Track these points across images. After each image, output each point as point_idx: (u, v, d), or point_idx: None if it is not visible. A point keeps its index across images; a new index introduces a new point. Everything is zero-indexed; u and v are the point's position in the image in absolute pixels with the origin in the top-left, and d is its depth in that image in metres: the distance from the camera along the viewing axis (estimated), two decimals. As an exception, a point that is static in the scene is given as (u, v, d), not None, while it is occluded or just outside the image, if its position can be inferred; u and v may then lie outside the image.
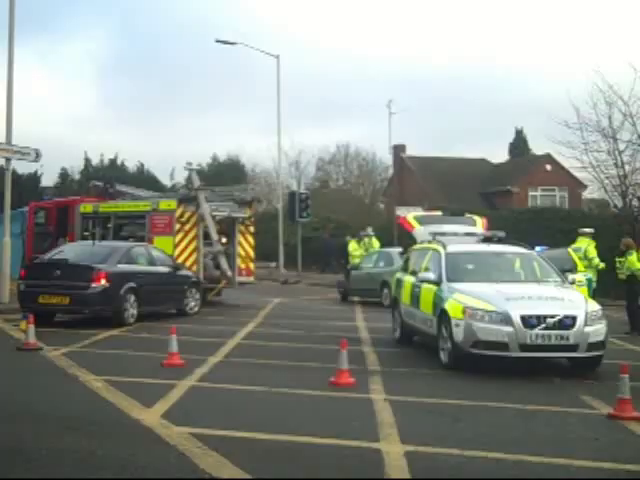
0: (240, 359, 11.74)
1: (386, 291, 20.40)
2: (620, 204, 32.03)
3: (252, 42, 37.69)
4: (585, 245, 17.18)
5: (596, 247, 17.37)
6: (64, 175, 58.13)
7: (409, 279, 13.44)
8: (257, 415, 8.03)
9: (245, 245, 22.54)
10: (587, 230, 17.68)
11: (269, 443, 6.92)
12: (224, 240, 21.79)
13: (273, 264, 37.99)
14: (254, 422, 7.61)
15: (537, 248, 14.67)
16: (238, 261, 22.13)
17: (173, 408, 8.16)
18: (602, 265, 17.15)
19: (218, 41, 36.82)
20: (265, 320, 17.68)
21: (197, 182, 21.97)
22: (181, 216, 20.95)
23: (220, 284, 21.64)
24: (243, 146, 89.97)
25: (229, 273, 21.34)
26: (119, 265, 16.13)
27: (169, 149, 76.67)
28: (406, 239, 17.30)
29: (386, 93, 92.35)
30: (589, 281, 15.88)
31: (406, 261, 14.65)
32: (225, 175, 51.04)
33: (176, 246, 20.61)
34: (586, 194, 41.30)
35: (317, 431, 7.27)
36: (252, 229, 22.84)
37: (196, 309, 18.44)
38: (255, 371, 10.74)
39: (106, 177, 32.49)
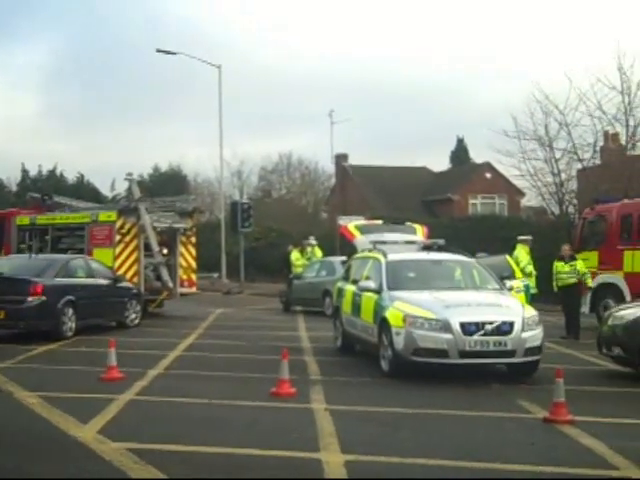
0: (181, 371, 11.62)
1: (328, 300, 20.41)
2: (557, 211, 32.76)
3: (194, 52, 37.52)
4: (519, 251, 17.44)
5: (531, 253, 17.66)
6: (0, 186, 56.92)
7: (350, 288, 13.49)
8: (196, 428, 7.94)
9: (187, 256, 22.36)
10: (526, 237, 17.99)
11: (208, 456, 6.86)
12: (165, 251, 21.58)
13: (215, 275, 37.77)
14: (193, 435, 7.53)
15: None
16: (180, 272, 21.93)
17: (110, 423, 8.02)
18: (530, 269, 17.41)
19: (159, 51, 36.56)
20: (207, 331, 17.54)
21: (138, 193, 21.73)
22: (121, 227, 20.69)
23: (161, 295, 21.41)
24: (185, 156, 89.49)
25: (170, 284, 21.14)
26: (57, 278, 15.83)
27: (110, 160, 75.73)
28: (348, 248, 17.38)
29: (329, 102, 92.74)
30: (527, 287, 16.14)
31: (347, 270, 14.70)
32: (167, 186, 50.56)
33: (116, 258, 20.35)
34: (524, 201, 42.10)
35: (257, 443, 7.22)
36: (194, 240, 22.67)
37: (137, 321, 18.20)
38: (196, 383, 10.64)
39: (44, 188, 31.92)
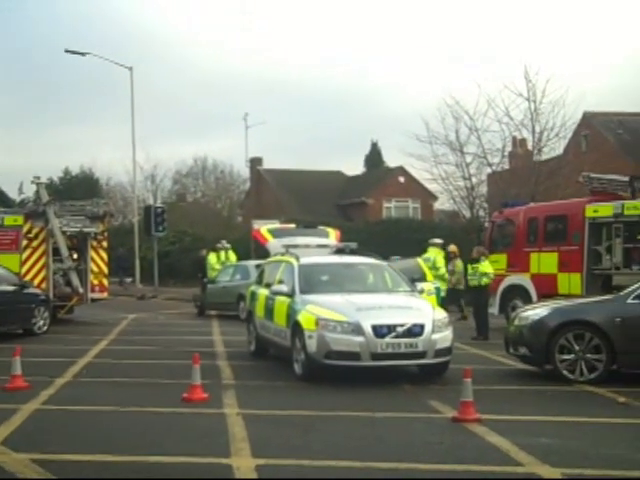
0: (90, 379, 11.38)
1: (243, 304, 20.30)
2: (468, 214, 33.50)
3: (106, 53, 36.87)
4: (434, 255, 17.79)
5: (445, 257, 18.02)
6: None
7: (263, 292, 13.46)
8: (105, 436, 7.78)
9: (98, 260, 21.90)
10: (437, 241, 18.34)
11: (116, 465, 6.73)
12: (75, 256, 21.12)
13: (129, 279, 37.19)
14: (102, 444, 7.37)
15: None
16: (91, 277, 21.48)
17: (14, 434, 7.77)
18: (445, 273, 17.82)
19: (68, 51, 35.85)
20: (119, 337, 17.24)
21: (46, 196, 21.17)
22: (29, 232, 20.16)
23: (71, 301, 20.93)
24: (96, 159, 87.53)
25: (81, 290, 20.71)
26: (-41, 285, 15.30)
27: (19, 163, 73.60)
28: (262, 252, 17.35)
29: (246, 106, 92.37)
30: (438, 290, 16.42)
31: (260, 274, 14.67)
32: (77, 189, 49.48)
33: (23, 263, 19.82)
34: (437, 205, 42.92)
35: (167, 449, 7.13)
36: (105, 244, 22.23)
37: (45, 328, 17.73)
38: (105, 390, 10.43)
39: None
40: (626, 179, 17.52)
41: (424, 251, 18.24)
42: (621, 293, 11.49)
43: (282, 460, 6.78)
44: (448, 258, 19.49)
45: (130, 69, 36.76)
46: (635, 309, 10.86)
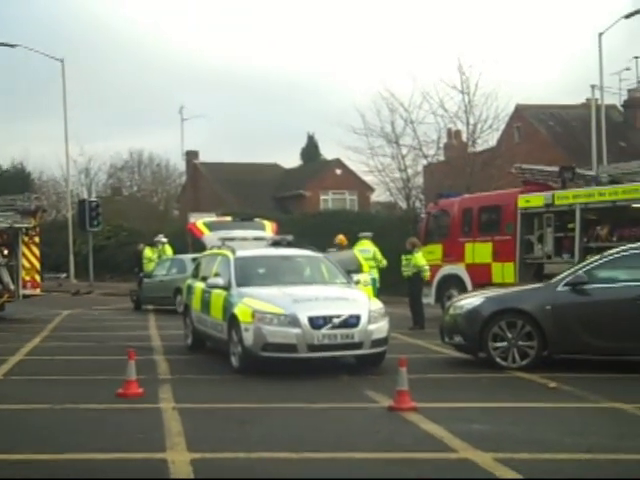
0: (22, 377, 11.14)
1: (180, 298, 20.14)
2: (405, 206, 33.83)
3: (35, 45, 36.08)
4: (371, 247, 17.82)
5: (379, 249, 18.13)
6: None
7: (199, 285, 13.38)
8: (38, 435, 7.64)
9: (30, 256, 21.39)
10: (367, 234, 18.36)
11: (50, 463, 6.61)
12: (5, 252, 20.63)
13: (63, 275, 36.55)
14: (34, 443, 7.23)
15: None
16: (22, 273, 21.00)
17: (-59, 434, 7.59)
18: (385, 264, 17.97)
19: (-5, 43, 34.95)
20: (52, 333, 16.92)
21: (-27, 191, 20.64)
22: (-45, 228, 19.62)
23: (2, 298, 20.46)
24: (28, 153, 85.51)
25: (12, 286, 20.24)
26: None
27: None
28: (198, 245, 17.22)
29: (182, 99, 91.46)
30: (374, 281, 16.54)
31: (197, 267, 14.58)
32: (9, 184, 48.31)
33: (-49, 260, 19.27)
34: (374, 197, 43.21)
35: (101, 446, 7.03)
36: (37, 239, 21.75)
37: (-25, 326, 17.30)
38: (38, 388, 10.23)
39: None
40: (556, 170, 17.90)
41: (354, 244, 18.21)
42: (551, 281, 11.74)
43: (218, 453, 6.76)
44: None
45: (61, 61, 36.06)
46: (565, 296, 11.12)
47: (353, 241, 18.39)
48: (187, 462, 6.46)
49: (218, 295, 12.10)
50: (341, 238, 17.34)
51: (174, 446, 7.00)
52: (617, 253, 11.61)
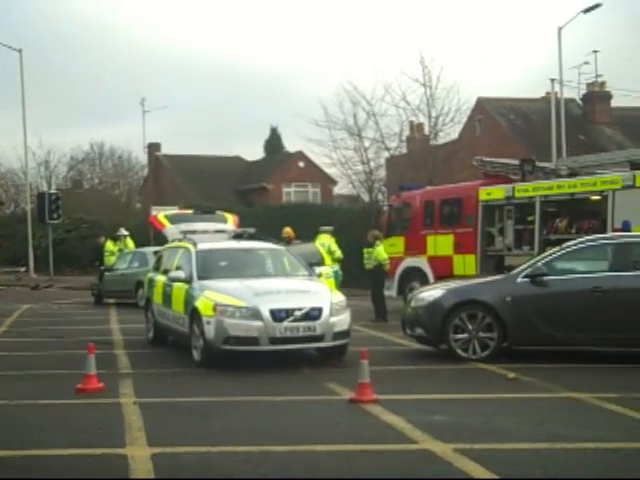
0: (-21, 372, 10.97)
1: (141, 292, 19.99)
2: (367, 198, 33.92)
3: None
4: (328, 240, 17.75)
5: (338, 242, 18.05)
6: None
7: (161, 279, 13.29)
8: (-6, 431, 7.53)
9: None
10: (327, 228, 18.26)
11: (5, 461, 6.50)
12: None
13: (22, 268, 36.06)
14: (-10, 439, 7.13)
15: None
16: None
17: None
18: (339, 254, 17.89)
19: (-49, 32, 34.30)
20: (10, 328, 16.68)
21: None
22: None
23: (-41, 293, 20.16)
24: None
25: (-31, 281, 19.95)
26: None
27: None
28: (160, 239, 17.09)
29: (144, 91, 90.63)
30: (336, 273, 16.57)
31: (158, 260, 14.49)
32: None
33: None
34: (337, 189, 43.25)
35: (60, 442, 6.96)
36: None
37: None
38: (-5, 384, 10.08)
39: None
40: (516, 162, 18.06)
41: (314, 237, 18.11)
42: (511, 273, 11.86)
43: (179, 448, 6.72)
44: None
45: (19, 51, 35.52)
46: (524, 288, 11.24)
47: (314, 234, 18.34)
48: (147, 457, 6.42)
49: (179, 288, 12.03)
50: (288, 231, 17.24)
51: (134, 441, 6.95)
52: (575, 245, 11.76)
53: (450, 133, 33.22)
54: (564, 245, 12.00)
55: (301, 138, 42.70)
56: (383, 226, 20.29)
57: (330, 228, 18.28)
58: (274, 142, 56.27)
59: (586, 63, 37.14)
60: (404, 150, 34.92)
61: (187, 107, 78.56)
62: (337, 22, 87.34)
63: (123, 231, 26.11)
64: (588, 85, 39.34)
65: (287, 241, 16.34)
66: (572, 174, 16.95)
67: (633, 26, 71.22)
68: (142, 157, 52.88)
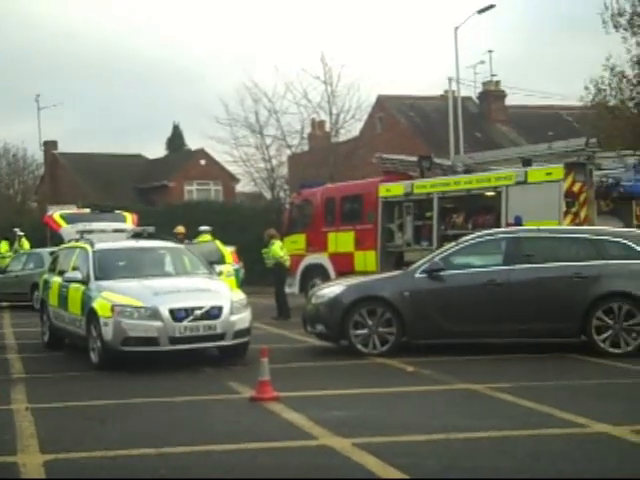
0: None
1: (37, 294, 19.44)
2: (269, 196, 33.94)
3: None
4: (210, 239, 17.44)
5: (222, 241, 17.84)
6: None
7: (57, 280, 12.95)
8: None
9: None
10: (206, 228, 17.96)
11: None
12: None
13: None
14: None
15: None
16: None
17: None
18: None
19: None
20: None
21: None
22: None
23: None
24: None
25: None
26: None
27: None
28: (58, 239, 16.67)
29: (39, 87, 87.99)
30: (237, 271, 16.51)
31: (54, 261, 14.12)
32: None
33: None
34: (239, 187, 43.06)
35: (-53, 452, 6.68)
36: None
37: None
38: None
39: None
40: (415, 159, 18.37)
41: (195, 237, 17.82)
42: (409, 268, 12.07)
43: (73, 454, 6.54)
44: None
45: None
46: (422, 283, 11.45)
47: (222, 231, 18.14)
48: (39, 464, 6.23)
49: (76, 289, 11.75)
50: (179, 229, 17.03)
51: (25, 448, 6.73)
52: (471, 240, 12.06)
53: (351, 130, 33.62)
54: (460, 240, 12.29)
55: (203, 136, 42.31)
56: (284, 223, 20.34)
57: (209, 228, 17.90)
58: (176, 140, 55.50)
59: (482, 62, 38.07)
60: (306, 147, 35.08)
61: (89, 105, 76.70)
62: (238, 19, 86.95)
63: (18, 231, 25.37)
64: (484, 84, 40.36)
65: (180, 239, 16.08)
66: (468, 171, 17.36)
67: (525, 27, 73.58)
68: (38, 155, 51.38)
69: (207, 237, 17.52)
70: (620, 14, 22.26)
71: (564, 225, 13.83)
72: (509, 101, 40.12)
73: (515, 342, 11.69)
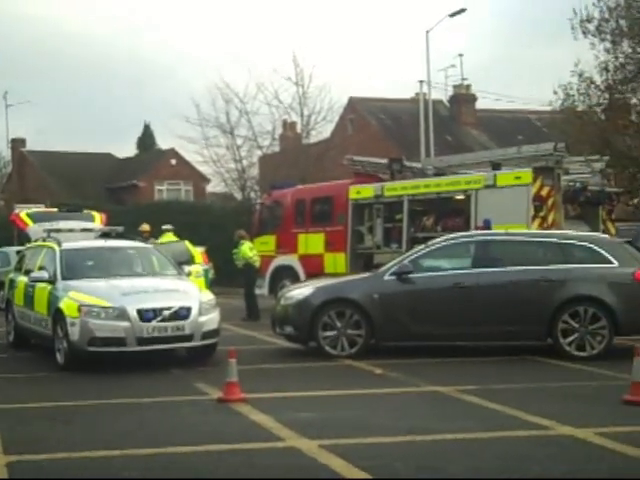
0: None
1: (2, 293, 19.20)
2: (240, 196, 33.87)
3: None
4: (174, 238, 17.28)
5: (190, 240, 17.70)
6: None
7: (23, 279, 12.83)
8: None
9: None
10: (169, 227, 17.79)
11: None
12: None
13: None
14: None
15: None
16: None
17: None
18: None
19: None
20: None
21: None
22: None
23: None
24: None
25: None
26: None
27: None
28: (24, 238, 16.48)
29: (7, 83, 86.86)
30: (206, 272, 16.45)
31: (20, 260, 14.00)
32: None
33: None
34: (210, 187, 42.90)
35: None
36: None
37: None
38: None
39: None
40: (385, 161, 18.43)
41: (160, 235, 17.67)
42: (378, 271, 12.09)
43: (37, 455, 6.48)
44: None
45: None
46: (391, 285, 11.48)
47: (192, 231, 18.00)
48: (2, 465, 6.15)
49: (42, 289, 11.64)
50: (144, 227, 16.89)
51: (-13, 450, 6.66)
52: (440, 243, 12.12)
53: (322, 132, 33.66)
54: (429, 243, 12.34)
55: (174, 135, 42.11)
56: (255, 224, 20.29)
57: (171, 227, 17.72)
58: (147, 139, 55.10)
59: (452, 66, 38.29)
60: (277, 148, 35.05)
61: (59, 103, 76.03)
62: (210, 18, 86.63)
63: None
64: (454, 87, 40.59)
65: (145, 238, 15.94)
66: (438, 174, 17.45)
67: (497, 31, 74.18)
68: (6, 153, 50.83)
69: (170, 235, 17.37)
70: (588, 20, 22.46)
71: (532, 229, 13.95)
72: (479, 105, 40.40)
73: (482, 345, 11.77)
